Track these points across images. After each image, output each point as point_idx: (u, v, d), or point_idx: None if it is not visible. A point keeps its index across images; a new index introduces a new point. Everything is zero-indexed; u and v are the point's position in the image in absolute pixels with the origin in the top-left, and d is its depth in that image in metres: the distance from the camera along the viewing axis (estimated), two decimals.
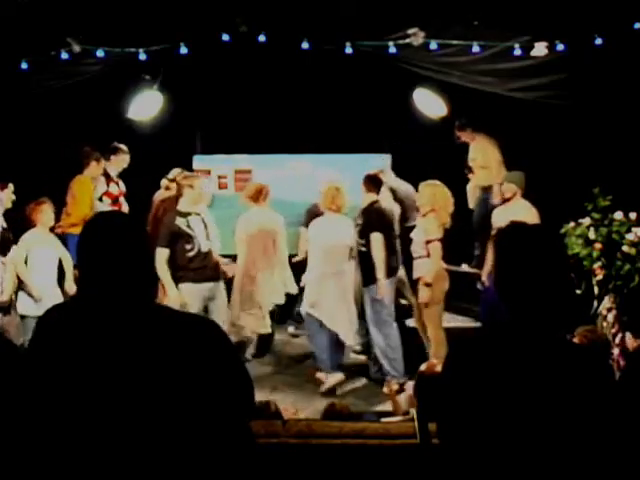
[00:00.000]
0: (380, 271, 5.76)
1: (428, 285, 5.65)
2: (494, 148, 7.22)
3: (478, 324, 6.69)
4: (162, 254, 5.47)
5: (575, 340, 3.60)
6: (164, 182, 7.00)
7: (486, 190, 7.28)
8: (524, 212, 5.66)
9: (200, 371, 1.69)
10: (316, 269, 6.04)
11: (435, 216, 5.77)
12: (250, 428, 1.93)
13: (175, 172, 7.03)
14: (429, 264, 5.70)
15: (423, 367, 3.20)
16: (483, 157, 7.23)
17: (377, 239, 5.81)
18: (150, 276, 1.80)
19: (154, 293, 1.83)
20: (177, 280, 5.55)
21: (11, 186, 5.90)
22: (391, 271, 5.90)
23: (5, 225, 5.80)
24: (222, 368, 1.75)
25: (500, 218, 5.87)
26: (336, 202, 6.07)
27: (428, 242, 5.71)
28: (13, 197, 5.91)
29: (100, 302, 1.73)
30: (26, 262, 5.64)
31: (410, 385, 5.54)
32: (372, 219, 5.94)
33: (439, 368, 3.14)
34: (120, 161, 7.17)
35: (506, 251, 1.78)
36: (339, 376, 5.92)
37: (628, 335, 4.63)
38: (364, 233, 5.90)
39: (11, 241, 5.75)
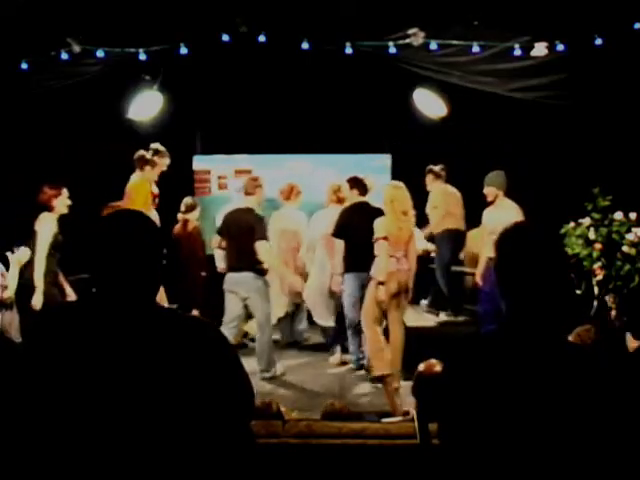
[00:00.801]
0: (335, 268, 6.30)
1: (381, 283, 5.63)
2: (444, 200, 7.27)
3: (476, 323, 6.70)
4: (268, 246, 6.04)
5: (572, 339, 3.60)
6: (181, 217, 7.16)
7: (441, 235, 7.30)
8: (512, 212, 5.65)
9: (200, 373, 1.69)
10: (317, 257, 6.61)
11: (385, 217, 5.78)
12: (251, 430, 1.93)
13: (187, 202, 7.12)
14: (378, 263, 5.72)
15: (422, 367, 3.19)
16: (431, 207, 7.31)
17: (337, 243, 6.22)
18: (156, 277, 1.80)
19: (155, 294, 1.83)
20: (264, 272, 6.06)
21: (65, 191, 5.82)
22: (350, 268, 6.15)
23: (56, 229, 5.81)
24: (222, 370, 1.75)
25: (489, 219, 5.96)
26: (337, 194, 6.53)
27: (375, 241, 5.72)
28: (68, 202, 5.83)
29: (103, 302, 1.73)
30: None
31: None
32: (339, 222, 6.20)
33: (438, 368, 3.14)
34: (161, 164, 7.07)
35: (507, 252, 1.78)
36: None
37: (628, 336, 4.63)
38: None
39: (62, 244, 5.74)
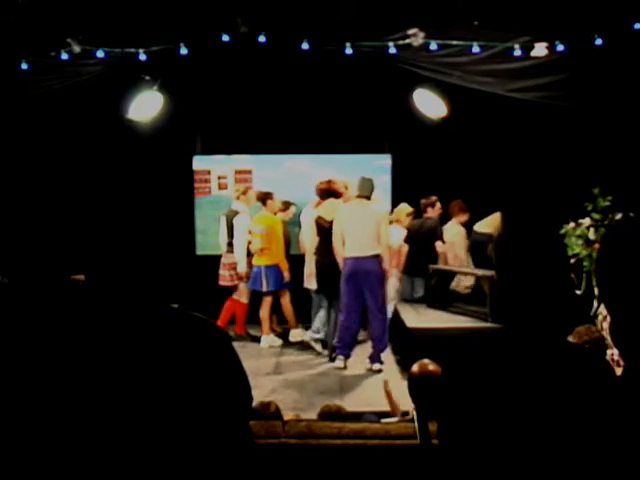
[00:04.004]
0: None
1: None
2: None
3: (481, 325, 6.69)
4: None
5: (572, 339, 3.60)
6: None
7: None
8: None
9: (198, 370, 1.70)
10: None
11: None
12: (249, 428, 1.94)
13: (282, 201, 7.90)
14: None
15: (415, 367, 3.19)
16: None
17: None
18: (156, 276, 1.82)
19: (155, 292, 1.85)
20: None
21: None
22: None
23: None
24: (220, 368, 1.76)
25: None
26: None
27: None
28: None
29: (103, 300, 1.75)
30: None
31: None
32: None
33: (431, 367, 3.14)
34: (250, 199, 7.69)
35: (507, 252, 1.78)
36: None
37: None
38: None
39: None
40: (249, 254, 7.46)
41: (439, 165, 8.01)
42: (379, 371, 6.37)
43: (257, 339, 7.46)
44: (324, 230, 6.63)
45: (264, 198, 7.47)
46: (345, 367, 6.47)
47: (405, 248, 7.45)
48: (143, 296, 1.77)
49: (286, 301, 7.44)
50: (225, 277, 7.52)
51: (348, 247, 6.39)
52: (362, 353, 7.04)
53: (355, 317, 6.46)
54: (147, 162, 7.88)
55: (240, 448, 1.80)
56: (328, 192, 6.70)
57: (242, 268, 7.40)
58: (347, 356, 6.55)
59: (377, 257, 6.39)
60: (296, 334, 7.44)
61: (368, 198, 6.50)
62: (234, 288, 7.52)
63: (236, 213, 7.50)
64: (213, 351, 1.75)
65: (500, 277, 1.80)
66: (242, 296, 7.55)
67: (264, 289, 7.30)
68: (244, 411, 1.85)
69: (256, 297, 7.53)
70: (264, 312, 7.34)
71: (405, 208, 7.56)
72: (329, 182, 6.78)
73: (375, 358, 6.49)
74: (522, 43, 6.20)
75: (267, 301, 7.36)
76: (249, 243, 7.43)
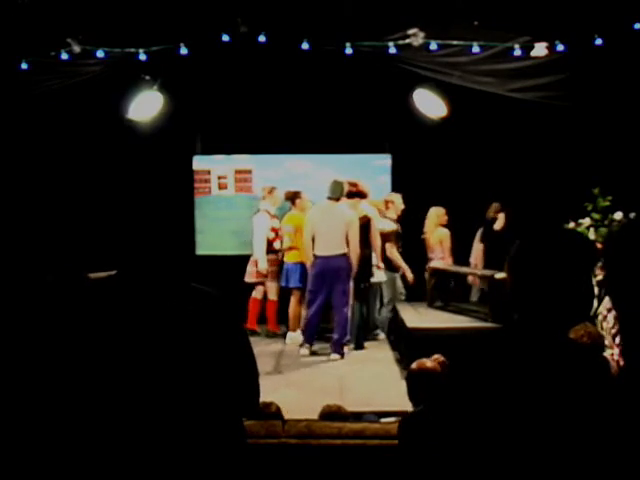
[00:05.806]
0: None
1: None
2: None
3: (480, 324, 6.69)
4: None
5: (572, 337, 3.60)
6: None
7: None
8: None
9: (210, 339, 1.96)
10: None
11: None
12: (242, 422, 2.14)
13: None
14: None
15: (414, 365, 3.20)
16: None
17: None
18: (183, 262, 2.14)
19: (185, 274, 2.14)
20: None
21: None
22: None
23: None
24: (232, 347, 2.01)
25: None
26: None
27: None
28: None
29: (138, 280, 2.03)
30: None
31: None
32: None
33: (429, 365, 3.16)
34: (276, 199, 7.77)
35: (529, 255, 1.76)
36: None
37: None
38: None
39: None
40: (272, 252, 7.61)
41: (439, 165, 8.02)
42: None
43: (258, 338, 7.50)
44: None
45: (293, 197, 7.61)
46: (311, 354, 6.85)
47: (480, 246, 7.78)
48: (173, 278, 2.07)
49: (295, 302, 7.46)
50: (250, 273, 7.67)
51: (318, 246, 6.80)
52: (361, 353, 7.06)
53: (319, 312, 6.89)
54: (147, 162, 7.89)
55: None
56: (354, 193, 7.09)
57: (262, 265, 7.54)
58: (311, 344, 6.94)
59: (345, 255, 6.76)
60: (293, 337, 7.41)
61: (337, 200, 6.88)
62: (254, 286, 7.67)
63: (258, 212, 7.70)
64: (224, 322, 2.05)
65: (514, 278, 1.77)
66: (270, 293, 7.70)
67: (289, 285, 7.48)
68: (250, 384, 2.08)
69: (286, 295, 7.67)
70: (292, 309, 7.48)
71: (495, 206, 7.74)
72: (355, 184, 7.11)
73: (336, 348, 6.83)
74: (522, 43, 6.20)
75: (295, 296, 7.45)
76: (273, 240, 7.59)
